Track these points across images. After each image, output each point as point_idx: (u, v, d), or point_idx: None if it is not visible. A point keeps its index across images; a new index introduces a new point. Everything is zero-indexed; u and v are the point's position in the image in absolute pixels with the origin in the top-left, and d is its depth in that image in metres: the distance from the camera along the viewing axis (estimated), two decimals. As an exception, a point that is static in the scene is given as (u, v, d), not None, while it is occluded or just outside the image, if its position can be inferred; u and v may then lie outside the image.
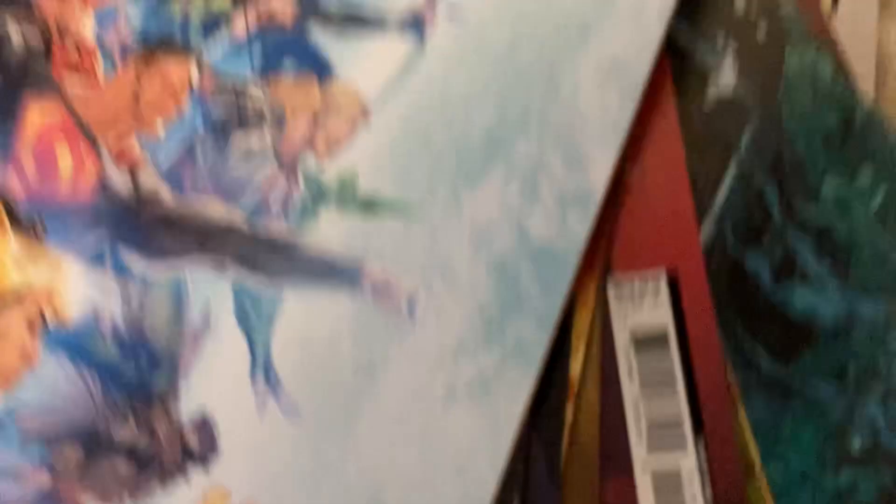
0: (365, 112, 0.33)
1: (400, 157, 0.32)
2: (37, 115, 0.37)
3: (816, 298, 0.30)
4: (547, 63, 0.32)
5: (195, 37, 0.36)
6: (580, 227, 0.29)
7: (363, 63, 0.34)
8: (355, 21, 0.34)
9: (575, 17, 0.32)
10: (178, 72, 0.36)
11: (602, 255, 0.31)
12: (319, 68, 0.34)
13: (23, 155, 0.36)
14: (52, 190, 0.35)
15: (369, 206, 0.32)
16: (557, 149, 0.31)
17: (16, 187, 0.36)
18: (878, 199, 0.30)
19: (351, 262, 0.31)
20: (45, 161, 0.36)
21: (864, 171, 0.31)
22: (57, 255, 0.34)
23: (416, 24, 0.33)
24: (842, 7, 0.36)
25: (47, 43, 0.38)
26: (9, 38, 0.38)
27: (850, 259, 0.30)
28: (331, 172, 0.32)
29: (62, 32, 0.38)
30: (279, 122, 0.34)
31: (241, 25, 0.36)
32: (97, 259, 0.34)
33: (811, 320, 0.30)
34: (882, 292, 0.29)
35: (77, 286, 0.34)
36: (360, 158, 0.32)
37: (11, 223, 0.35)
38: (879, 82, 0.35)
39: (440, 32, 0.33)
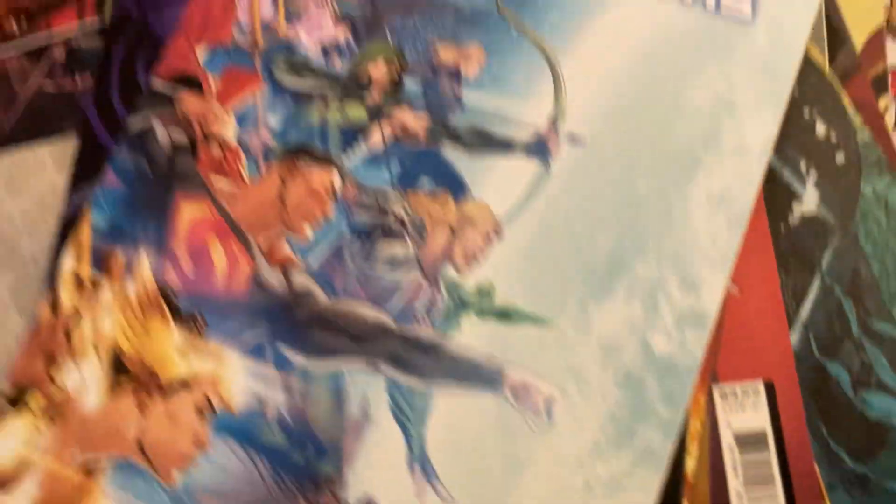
0: (498, 228, 0.37)
1: (532, 271, 0.37)
2: (188, 212, 0.41)
3: (891, 405, 0.35)
4: (661, 192, 0.36)
5: (334, 145, 0.40)
6: (697, 345, 0.35)
7: (494, 182, 0.38)
8: (485, 141, 0.39)
9: (685, 151, 0.37)
10: (321, 178, 0.40)
11: (709, 365, 0.36)
12: (454, 185, 0.38)
13: (178, 250, 0.40)
14: (209, 285, 0.40)
15: (506, 315, 0.36)
16: (674, 272, 0.35)
17: (174, 281, 0.40)
18: (943, 320, 0.36)
19: (493, 366, 0.36)
20: (200, 256, 0.40)
21: (931, 292, 0.36)
22: (219, 347, 0.39)
23: (541, 148, 0.38)
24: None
25: (193, 142, 0.42)
26: (155, 137, 0.42)
27: (919, 371, 0.36)
28: (470, 283, 0.37)
29: (206, 133, 0.41)
30: (420, 233, 0.38)
31: (377, 137, 0.40)
32: (258, 352, 0.38)
33: (887, 424, 0.35)
34: (947, 402, 0.35)
35: (240, 376, 0.38)
36: (496, 271, 0.37)
37: (173, 316, 0.40)
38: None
39: (563, 157, 0.38)
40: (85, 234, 0.42)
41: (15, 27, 0.57)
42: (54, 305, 0.41)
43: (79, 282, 0.41)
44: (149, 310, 0.40)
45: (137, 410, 0.39)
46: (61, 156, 0.53)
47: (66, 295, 0.41)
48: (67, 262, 0.41)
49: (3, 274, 0.52)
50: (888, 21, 0.42)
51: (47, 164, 0.53)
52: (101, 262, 0.41)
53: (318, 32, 0.42)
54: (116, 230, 0.41)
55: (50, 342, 0.40)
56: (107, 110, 0.44)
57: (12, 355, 0.50)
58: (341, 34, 0.41)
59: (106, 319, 0.40)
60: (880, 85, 0.41)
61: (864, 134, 0.39)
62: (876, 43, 0.41)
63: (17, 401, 0.40)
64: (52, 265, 0.44)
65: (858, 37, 0.41)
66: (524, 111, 0.38)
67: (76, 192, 0.44)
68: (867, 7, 0.42)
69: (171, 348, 0.39)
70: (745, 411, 0.36)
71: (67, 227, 0.44)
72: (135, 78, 0.44)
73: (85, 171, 0.44)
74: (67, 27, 0.56)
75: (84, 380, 0.39)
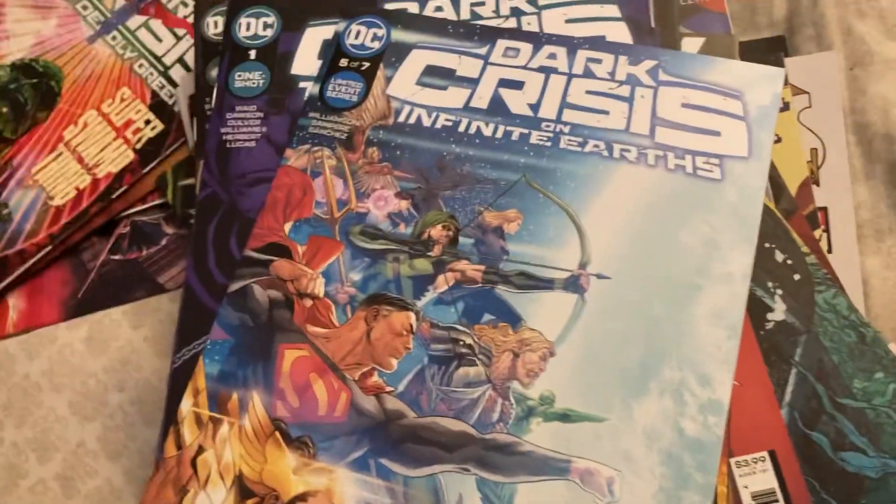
0: (551, 349, 0.48)
1: (582, 380, 0.47)
2: (290, 356, 0.50)
3: (862, 461, 0.46)
4: (673, 312, 0.48)
5: (407, 292, 0.50)
6: (718, 427, 0.45)
7: (543, 312, 0.49)
8: (530, 282, 0.49)
9: (686, 280, 0.48)
10: (401, 320, 0.50)
11: (725, 443, 0.46)
12: (511, 317, 0.49)
13: (285, 388, 0.49)
14: (315, 414, 0.48)
15: (566, 417, 0.46)
16: (692, 372, 0.46)
17: (284, 414, 0.48)
18: (888, 394, 0.48)
19: (561, 458, 0.45)
20: (304, 391, 0.49)
21: (878, 374, 0.48)
22: (329, 464, 0.47)
23: (576, 285, 0.49)
24: (834, 251, 0.54)
25: (287, 298, 0.51)
26: (255, 296, 0.51)
27: (879, 434, 0.47)
28: (534, 393, 0.47)
29: (299, 290, 0.51)
30: (488, 357, 0.48)
31: (442, 283, 0.50)
32: (362, 465, 0.47)
33: (862, 475, 0.46)
34: (904, 455, 0.47)
35: (350, 486, 0.46)
36: (554, 382, 0.47)
37: (286, 442, 0.48)
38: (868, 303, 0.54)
39: (594, 290, 0.49)
40: (200, 380, 0.50)
41: (81, 211, 0.66)
42: (178, 442, 0.48)
43: (199, 420, 0.49)
44: (264, 439, 0.48)
45: (264, 525, 0.46)
46: (135, 316, 0.62)
47: (188, 432, 0.48)
48: (186, 405, 0.49)
49: (90, 424, 0.59)
50: (811, 173, 0.56)
51: (122, 324, 0.62)
52: (216, 403, 0.49)
53: (384, 205, 0.53)
54: (228, 375, 0.49)
55: (178, 474, 0.48)
56: (206, 278, 0.53)
57: (104, 496, 0.57)
58: (404, 206, 0.52)
59: (227, 450, 0.48)
60: (813, 220, 0.54)
61: (811, 258, 0.51)
62: (805, 190, 0.55)
63: (151, 528, 0.47)
64: (167, 410, 0.51)
65: (792, 186, 0.55)
66: (558, 257, 0.50)
67: (183, 347, 0.52)
68: (795, 165, 0.56)
69: (287, 469, 0.47)
70: (756, 475, 0.46)
71: (177, 378, 0.52)
72: (229, 249, 0.53)
73: (189, 330, 0.52)
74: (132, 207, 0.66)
75: (213, 503, 0.47)
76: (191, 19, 0.70)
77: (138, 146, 0.66)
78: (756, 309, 0.50)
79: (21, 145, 0.66)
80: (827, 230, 0.54)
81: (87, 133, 0.66)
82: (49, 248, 0.63)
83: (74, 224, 0.64)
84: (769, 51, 0.60)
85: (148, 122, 0.67)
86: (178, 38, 0.69)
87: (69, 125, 0.67)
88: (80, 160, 0.66)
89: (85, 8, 0.70)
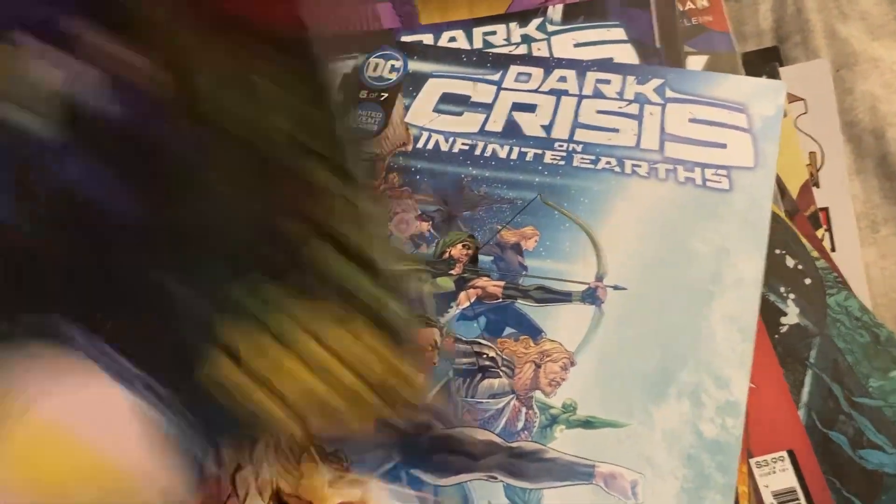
0: (571, 358, 0.50)
1: (602, 387, 0.49)
2: (321, 374, 0.52)
3: (881, 458, 0.47)
4: (688, 318, 0.49)
5: (431, 309, 0.52)
6: (736, 428, 0.46)
7: (562, 324, 0.51)
8: (549, 295, 0.51)
9: (699, 287, 0.50)
10: (426, 336, 0.52)
11: (745, 444, 0.48)
12: (531, 330, 0.51)
13: (317, 404, 0.51)
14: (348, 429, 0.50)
15: (588, 423, 0.48)
16: (709, 375, 0.48)
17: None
18: (905, 390, 0.49)
19: (585, 463, 0.47)
20: (336, 408, 0.51)
21: (893, 372, 0.49)
22: (362, 477, 0.49)
23: (593, 297, 0.51)
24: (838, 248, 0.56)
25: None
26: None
27: (896, 430, 0.48)
28: (556, 402, 0.49)
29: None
30: (511, 368, 0.50)
31: (464, 300, 0.52)
32: (394, 476, 0.48)
33: (882, 471, 0.47)
34: (921, 450, 0.48)
35: (383, 497, 0.48)
36: (575, 390, 0.49)
37: (321, 457, 0.50)
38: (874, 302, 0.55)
39: (611, 300, 0.51)
40: (237, 401, 0.52)
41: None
42: (218, 460, 0.51)
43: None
44: (300, 454, 0.50)
45: (302, 536, 0.48)
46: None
47: (227, 451, 0.51)
48: (224, 426, 0.51)
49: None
50: (811, 176, 0.58)
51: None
52: (253, 422, 0.51)
53: (406, 228, 0.55)
54: (263, 395, 0.52)
55: (218, 490, 0.50)
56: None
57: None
58: (424, 228, 0.55)
59: (265, 467, 0.50)
60: (815, 221, 0.56)
61: (821, 262, 0.53)
62: (806, 191, 0.57)
63: (195, 543, 0.49)
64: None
65: (793, 189, 0.57)
66: (575, 271, 0.51)
67: (219, 369, 0.55)
68: (795, 168, 0.57)
69: (323, 483, 0.49)
70: (776, 474, 0.47)
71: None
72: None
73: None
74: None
75: (252, 518, 0.49)
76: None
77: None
78: (770, 313, 0.52)
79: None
80: (829, 229, 0.56)
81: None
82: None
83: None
84: (764, 61, 0.62)
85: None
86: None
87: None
88: None
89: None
